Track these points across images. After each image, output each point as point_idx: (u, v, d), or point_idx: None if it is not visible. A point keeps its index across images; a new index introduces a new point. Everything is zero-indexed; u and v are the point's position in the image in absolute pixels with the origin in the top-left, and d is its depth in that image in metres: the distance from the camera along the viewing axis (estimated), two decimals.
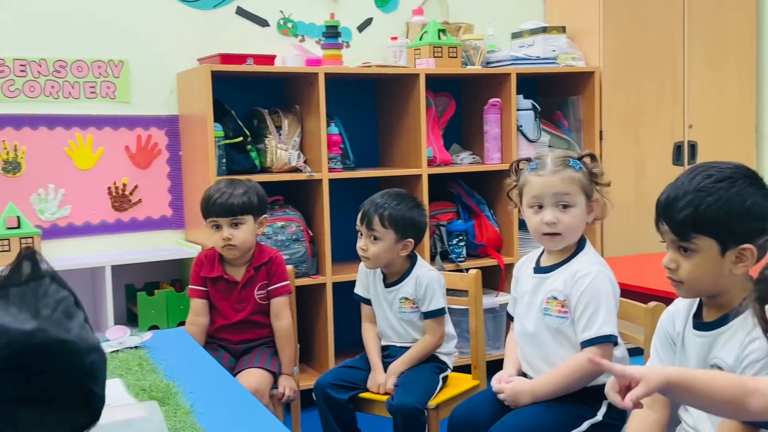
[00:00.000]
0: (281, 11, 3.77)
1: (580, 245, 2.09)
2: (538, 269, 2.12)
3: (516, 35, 4.07)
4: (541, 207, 2.03)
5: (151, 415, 1.37)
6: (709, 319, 1.59)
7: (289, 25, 3.79)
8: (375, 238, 2.48)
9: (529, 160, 2.13)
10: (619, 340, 2.04)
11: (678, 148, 4.05)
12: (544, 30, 3.93)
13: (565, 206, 2.02)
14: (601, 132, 3.89)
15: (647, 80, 3.97)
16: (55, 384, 0.95)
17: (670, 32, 3.99)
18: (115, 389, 1.59)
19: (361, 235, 2.51)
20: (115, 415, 1.33)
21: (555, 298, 2.04)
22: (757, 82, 4.24)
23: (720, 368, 1.54)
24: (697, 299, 1.63)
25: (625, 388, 1.31)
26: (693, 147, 4.07)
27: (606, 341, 1.97)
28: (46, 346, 0.94)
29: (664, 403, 1.65)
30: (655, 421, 1.64)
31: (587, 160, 2.10)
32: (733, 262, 1.52)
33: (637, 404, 1.30)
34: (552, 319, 2.04)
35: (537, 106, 3.87)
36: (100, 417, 0.99)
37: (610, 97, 3.89)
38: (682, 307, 1.65)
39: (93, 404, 0.98)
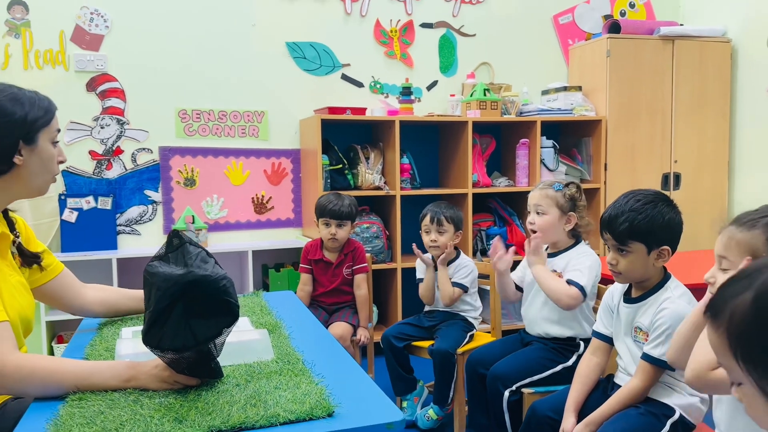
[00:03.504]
0: (372, 76, 3.87)
1: (576, 243, 2.17)
2: (548, 255, 2.20)
3: (544, 92, 4.07)
4: (530, 212, 2.16)
5: (262, 337, 1.52)
6: (635, 295, 1.69)
7: (378, 86, 3.88)
8: (443, 232, 2.56)
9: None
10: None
11: (665, 178, 3.98)
12: (565, 89, 3.93)
13: (539, 213, 2.13)
14: (605, 164, 3.87)
15: (642, 126, 3.92)
16: (207, 301, 1.17)
17: (660, 89, 3.93)
18: (243, 322, 1.69)
19: (429, 232, 2.56)
20: (241, 336, 1.51)
21: (555, 271, 2.14)
22: (730, 129, 4.10)
23: (641, 329, 1.64)
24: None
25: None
26: (677, 177, 3.99)
27: (579, 288, 2.01)
28: (193, 279, 1.17)
29: (604, 351, 1.76)
30: (596, 364, 1.76)
31: (572, 187, 2.16)
32: (655, 259, 1.62)
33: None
34: None
35: (557, 144, 3.87)
36: (238, 317, 1.21)
37: (613, 139, 3.87)
38: (618, 287, 1.76)
39: (232, 309, 1.20)
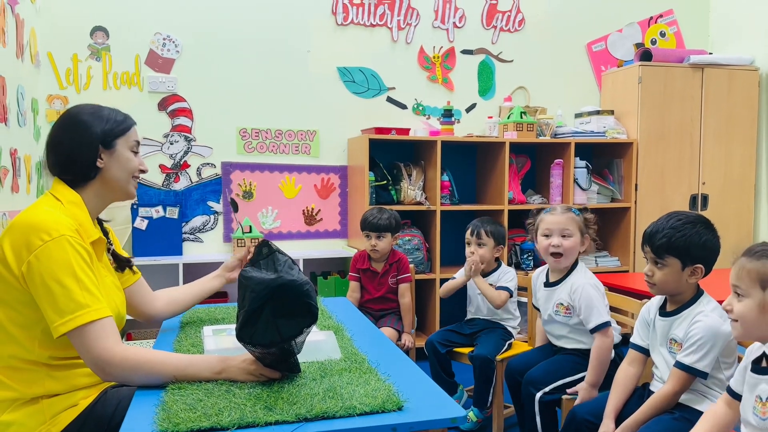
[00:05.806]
0: (415, 99, 3.94)
1: (573, 266, 2.19)
2: (547, 284, 2.23)
3: (578, 115, 4.09)
4: (549, 236, 2.16)
5: (328, 338, 1.61)
6: (670, 309, 1.73)
7: (420, 108, 3.95)
8: (482, 245, 2.60)
9: (542, 209, 2.26)
10: (614, 324, 2.12)
11: (693, 198, 3.97)
12: (598, 112, 3.95)
13: (566, 236, 2.14)
14: (636, 185, 3.87)
15: (672, 149, 3.92)
16: (293, 303, 1.26)
17: (689, 115, 3.92)
18: None
19: (470, 244, 2.60)
20: (311, 337, 1.57)
21: (561, 305, 2.16)
22: (756, 153, 4.07)
23: (675, 341, 1.68)
24: (663, 297, 1.77)
25: None
26: (705, 198, 3.98)
27: (606, 326, 2.05)
28: (282, 283, 1.25)
29: (640, 362, 1.80)
30: (633, 374, 1.79)
31: (588, 212, 2.19)
32: (688, 275, 1.67)
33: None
34: (560, 317, 2.18)
35: (590, 165, 3.89)
36: (317, 319, 1.28)
37: (643, 161, 3.87)
38: (654, 302, 1.80)
39: (312, 311, 1.28)
